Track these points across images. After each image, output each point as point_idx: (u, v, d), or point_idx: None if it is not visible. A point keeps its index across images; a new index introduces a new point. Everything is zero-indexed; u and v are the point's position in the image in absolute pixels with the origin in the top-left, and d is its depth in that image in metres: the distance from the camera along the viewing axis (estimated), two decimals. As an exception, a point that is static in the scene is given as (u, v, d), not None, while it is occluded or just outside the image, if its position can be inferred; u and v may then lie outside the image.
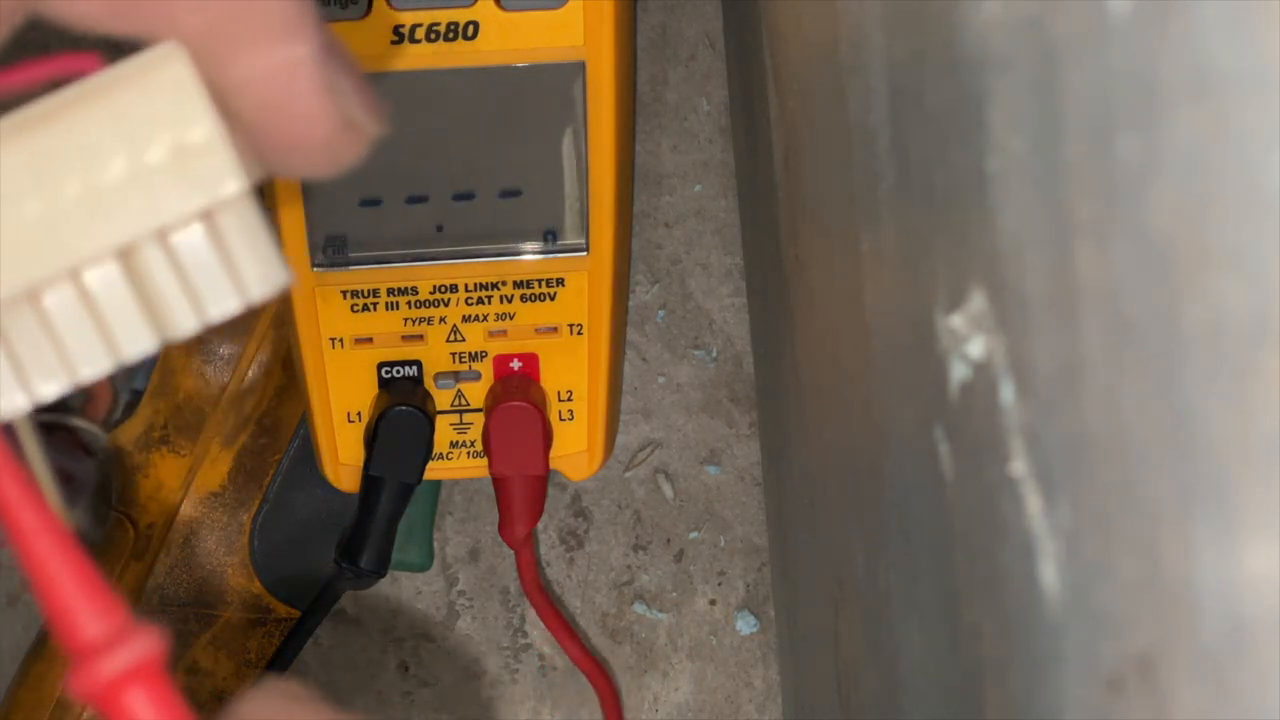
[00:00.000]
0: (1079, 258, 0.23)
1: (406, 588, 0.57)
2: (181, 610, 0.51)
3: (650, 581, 0.57)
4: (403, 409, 0.47)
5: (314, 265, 0.46)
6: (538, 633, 0.57)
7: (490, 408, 0.47)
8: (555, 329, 0.47)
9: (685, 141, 0.56)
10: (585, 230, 0.46)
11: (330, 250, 0.46)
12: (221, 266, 0.24)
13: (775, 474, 0.53)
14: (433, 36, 0.43)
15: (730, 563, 0.57)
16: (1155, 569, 0.22)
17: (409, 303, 0.47)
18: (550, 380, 0.48)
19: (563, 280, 0.47)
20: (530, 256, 0.46)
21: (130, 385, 0.52)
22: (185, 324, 0.24)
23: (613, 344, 0.48)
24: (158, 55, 0.23)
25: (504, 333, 0.47)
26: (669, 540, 0.57)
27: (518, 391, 0.47)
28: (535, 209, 0.46)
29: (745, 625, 0.57)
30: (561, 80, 0.44)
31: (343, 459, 0.48)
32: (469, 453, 0.49)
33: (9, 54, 0.23)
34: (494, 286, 0.47)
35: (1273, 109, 0.19)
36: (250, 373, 0.51)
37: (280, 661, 0.51)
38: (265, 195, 0.46)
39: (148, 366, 0.51)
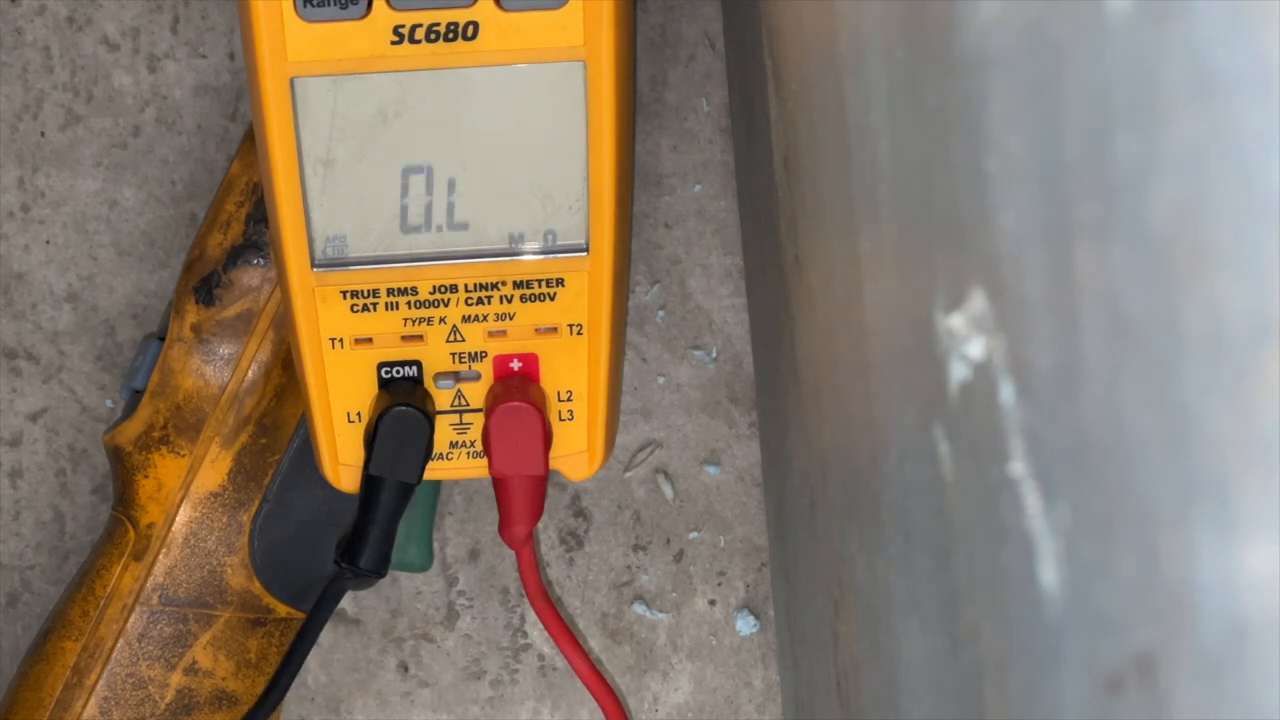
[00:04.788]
0: (1079, 258, 0.23)
1: (406, 588, 0.57)
2: (181, 610, 0.51)
3: (650, 582, 0.57)
4: (402, 409, 0.47)
5: (314, 265, 0.46)
6: (538, 633, 0.57)
7: (490, 408, 0.47)
8: (555, 329, 0.47)
9: (685, 141, 0.56)
10: (585, 230, 0.46)
11: (330, 250, 0.46)
12: None
13: (775, 474, 0.53)
14: (433, 36, 0.43)
15: (730, 563, 0.57)
16: (1155, 569, 0.22)
17: (409, 303, 0.47)
18: (550, 380, 0.48)
19: (563, 280, 0.47)
20: (530, 256, 0.46)
21: (130, 385, 0.52)
22: None
23: (613, 344, 0.48)
24: None
25: (504, 333, 0.47)
26: (669, 540, 0.57)
27: (518, 391, 0.47)
28: (535, 209, 0.46)
29: (745, 625, 0.57)
30: (561, 80, 0.44)
31: (343, 459, 0.48)
32: (469, 453, 0.49)
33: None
34: (494, 286, 0.47)
35: (1273, 109, 0.19)
36: (250, 373, 0.51)
37: (290, 666, 0.51)
38: (265, 194, 0.46)
39: (148, 366, 0.51)
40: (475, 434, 0.48)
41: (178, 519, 0.51)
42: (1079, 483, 0.24)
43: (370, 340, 0.47)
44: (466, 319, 0.47)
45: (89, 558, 0.52)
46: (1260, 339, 0.19)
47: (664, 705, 0.57)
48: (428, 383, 0.48)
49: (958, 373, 0.28)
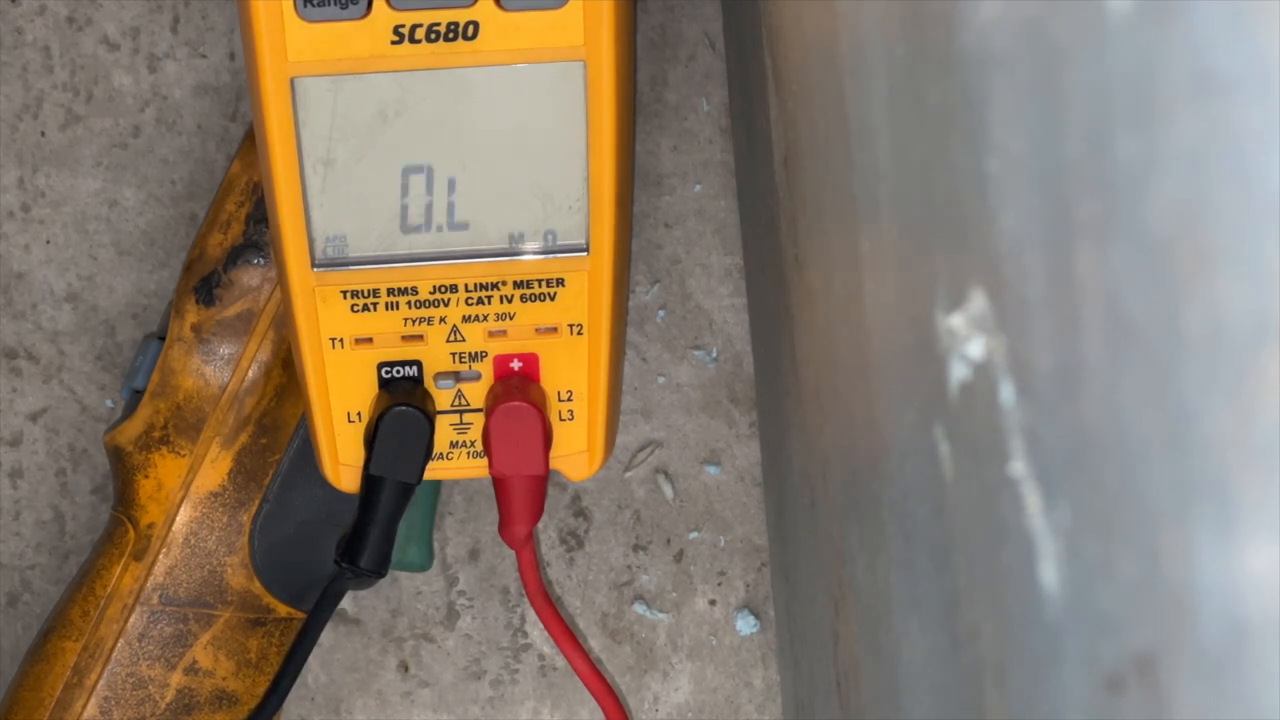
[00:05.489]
0: (1079, 258, 0.23)
1: (406, 588, 0.57)
2: (181, 610, 0.51)
3: (650, 582, 0.57)
4: (403, 409, 0.47)
5: (314, 265, 0.46)
6: (538, 633, 0.57)
7: (490, 408, 0.47)
8: (555, 329, 0.47)
9: (685, 141, 0.56)
10: (585, 230, 0.46)
11: (330, 250, 0.46)
12: None
13: (775, 474, 0.53)
14: (433, 36, 0.43)
15: (730, 563, 0.57)
16: (1155, 569, 0.22)
17: (409, 303, 0.47)
18: (550, 380, 0.48)
19: (563, 280, 0.47)
20: (530, 256, 0.46)
21: (130, 385, 0.52)
22: None
23: (613, 344, 0.48)
24: None
25: (504, 333, 0.47)
26: (669, 540, 0.57)
27: (518, 391, 0.47)
28: (535, 209, 0.46)
29: (745, 625, 0.57)
30: (561, 80, 0.44)
31: (343, 459, 0.48)
32: (469, 453, 0.49)
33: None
34: (494, 286, 0.47)
35: (1273, 109, 0.19)
36: (250, 373, 0.51)
37: (291, 667, 0.51)
38: (265, 194, 0.46)
39: (148, 366, 0.51)
40: (475, 434, 0.48)
41: (178, 519, 0.51)
42: (1079, 483, 0.24)
43: (370, 340, 0.47)
44: (467, 319, 0.47)
45: (89, 558, 0.52)
46: (1260, 339, 0.19)
47: (664, 705, 0.57)
48: (428, 383, 0.48)
49: (958, 373, 0.28)
